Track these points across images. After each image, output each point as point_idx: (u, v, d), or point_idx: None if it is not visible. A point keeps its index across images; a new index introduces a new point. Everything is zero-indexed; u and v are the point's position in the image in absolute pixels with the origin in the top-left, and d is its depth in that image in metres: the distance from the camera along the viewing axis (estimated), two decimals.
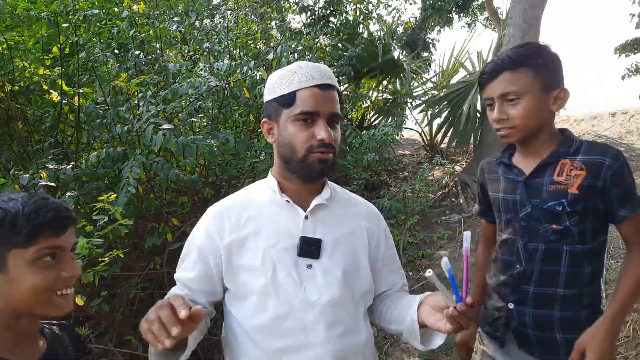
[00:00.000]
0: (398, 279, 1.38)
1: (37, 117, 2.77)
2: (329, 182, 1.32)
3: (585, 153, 1.31)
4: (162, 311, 0.90)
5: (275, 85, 1.19)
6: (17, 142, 2.66)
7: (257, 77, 2.62)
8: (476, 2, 12.97)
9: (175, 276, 1.26)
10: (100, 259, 1.86)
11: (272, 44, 3.50)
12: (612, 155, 1.28)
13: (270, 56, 2.72)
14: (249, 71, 2.55)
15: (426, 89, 6.72)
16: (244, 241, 1.19)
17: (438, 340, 1.18)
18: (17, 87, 2.57)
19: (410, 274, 4.12)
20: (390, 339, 3.50)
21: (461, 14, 13.22)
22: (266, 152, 2.90)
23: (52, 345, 1.06)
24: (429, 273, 1.03)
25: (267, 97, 1.23)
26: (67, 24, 2.56)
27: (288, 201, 1.21)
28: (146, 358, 2.49)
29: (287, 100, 1.15)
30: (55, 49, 2.62)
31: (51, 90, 2.60)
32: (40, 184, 1.91)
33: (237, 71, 2.65)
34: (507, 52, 1.34)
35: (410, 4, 13.42)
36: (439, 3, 12.31)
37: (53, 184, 1.99)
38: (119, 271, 2.34)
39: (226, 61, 2.67)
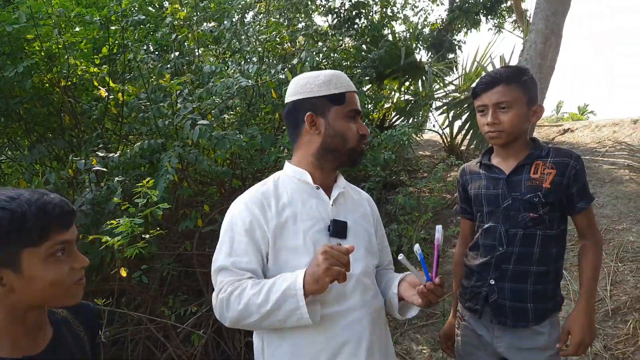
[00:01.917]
0: (386, 257, 1.62)
1: (83, 111, 3.07)
2: (340, 174, 1.55)
3: (555, 155, 1.62)
4: (341, 256, 1.17)
5: (325, 85, 1.39)
6: (67, 133, 2.97)
7: (283, 78, 2.86)
8: (504, 5, 12.94)
9: (227, 263, 1.32)
10: (141, 236, 2.11)
11: (297, 46, 3.73)
12: (575, 157, 1.60)
13: (295, 61, 2.95)
14: (276, 73, 2.80)
15: (448, 92, 6.84)
16: (284, 225, 1.35)
17: (412, 312, 1.44)
18: (69, 83, 2.87)
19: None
20: (400, 328, 3.70)
21: (489, 16, 13.21)
22: (288, 148, 3.13)
23: (59, 331, 1.08)
24: (400, 256, 1.27)
25: (312, 94, 1.39)
26: (116, 27, 2.85)
27: (318, 188, 1.43)
28: (174, 327, 2.77)
29: (338, 98, 1.39)
30: (104, 49, 2.91)
31: (99, 87, 2.89)
32: (93, 169, 2.19)
33: (265, 73, 2.91)
34: (501, 69, 1.63)
35: (438, 5, 13.50)
36: (467, 5, 12.34)
37: (104, 169, 2.27)
38: (156, 250, 2.62)
39: (252, 64, 2.91)
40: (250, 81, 2.75)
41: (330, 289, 1.29)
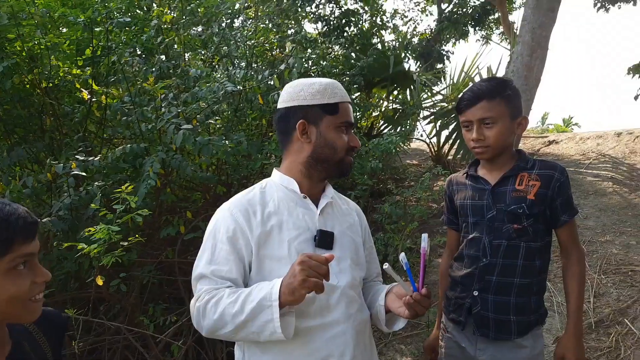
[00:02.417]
0: (374, 269, 1.60)
1: (65, 113, 3.00)
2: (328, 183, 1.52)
3: (539, 168, 1.62)
4: (319, 266, 1.12)
5: (319, 94, 1.36)
6: (47, 135, 2.90)
7: (271, 84, 2.83)
8: (492, 17, 13.12)
9: (206, 271, 1.29)
10: (120, 244, 2.05)
11: (286, 52, 3.70)
12: (560, 170, 1.60)
13: (283, 66, 2.92)
14: (264, 79, 2.77)
15: (435, 101, 6.88)
16: (269, 233, 1.32)
17: (400, 324, 1.41)
18: (51, 84, 2.80)
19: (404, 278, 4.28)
20: (384, 339, 3.66)
21: (477, 28, 13.38)
22: (275, 154, 3.10)
23: (18, 344, 1.04)
24: (385, 265, 1.23)
25: (305, 102, 1.36)
26: (100, 29, 2.80)
27: (305, 197, 1.39)
28: (154, 337, 2.71)
29: (332, 109, 1.36)
30: (88, 51, 2.85)
31: (82, 89, 2.83)
32: (72, 173, 2.13)
33: (253, 78, 2.87)
34: (484, 84, 1.61)
35: (427, 15, 13.66)
36: (455, 16, 12.49)
37: (84, 174, 2.21)
38: (136, 257, 2.55)
39: (238, 70, 2.88)
40: (236, 86, 2.71)
41: (312, 301, 1.27)
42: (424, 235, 1.29)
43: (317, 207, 1.41)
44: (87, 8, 2.82)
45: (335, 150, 1.36)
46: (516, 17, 14.22)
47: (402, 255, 1.28)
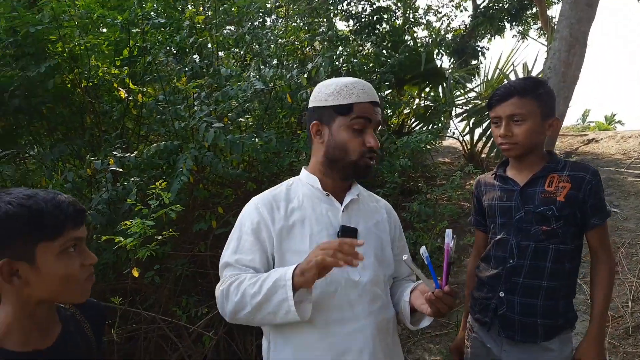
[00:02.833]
0: (406, 267, 1.56)
1: (104, 111, 3.13)
2: (355, 181, 1.53)
3: (570, 169, 1.58)
4: (345, 244, 1.12)
5: (333, 95, 1.38)
6: (88, 132, 3.03)
7: (299, 83, 2.86)
8: (530, 11, 12.75)
9: (231, 260, 1.35)
10: (155, 237, 2.13)
11: (316, 51, 3.73)
12: (592, 172, 1.55)
13: (310, 66, 2.95)
14: (292, 78, 2.80)
15: (469, 99, 6.77)
16: (292, 228, 1.36)
17: (425, 322, 1.39)
18: (90, 84, 2.93)
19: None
20: (413, 337, 3.65)
21: (513, 23, 13.03)
22: (305, 152, 3.13)
23: (67, 327, 1.12)
24: (405, 257, 1.23)
25: (320, 103, 1.40)
26: (137, 30, 2.90)
27: (328, 195, 1.42)
28: (186, 327, 2.80)
29: (345, 109, 1.36)
30: (125, 52, 2.96)
31: (119, 88, 2.94)
32: (110, 168, 2.23)
33: (282, 77, 2.92)
34: (517, 81, 1.60)
35: (461, 11, 13.38)
36: (491, 11, 12.19)
37: (120, 170, 2.30)
38: (169, 250, 2.64)
39: (271, 69, 2.93)
40: (265, 85, 2.76)
41: (333, 295, 1.30)
42: (448, 231, 1.26)
43: (341, 204, 1.43)
44: (124, 9, 2.93)
45: (347, 152, 1.37)
46: (555, 11, 13.79)
47: (422, 249, 1.26)
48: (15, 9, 2.56)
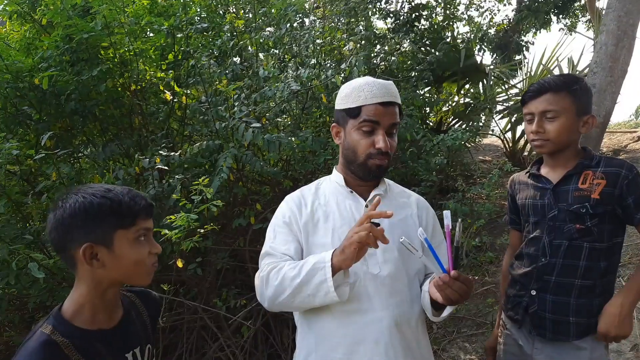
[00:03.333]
0: (419, 257, 1.57)
1: (151, 112, 3.31)
2: (384, 178, 1.58)
3: (605, 165, 1.55)
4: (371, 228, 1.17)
5: (345, 98, 1.46)
6: (136, 133, 3.22)
7: (334, 83, 2.94)
8: (578, 3, 12.25)
9: (269, 249, 1.44)
10: (198, 230, 2.27)
11: (350, 50, 3.78)
12: (628, 167, 1.51)
13: (344, 66, 3.01)
14: (327, 78, 2.88)
15: (510, 95, 6.62)
16: (317, 223, 1.46)
17: (445, 312, 1.40)
18: (139, 87, 3.11)
19: (477, 277, 4.22)
20: (448, 336, 3.65)
21: (560, 16, 12.55)
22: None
23: (128, 311, 1.24)
24: (402, 239, 1.22)
25: (338, 106, 1.50)
26: (181, 35, 3.06)
27: (352, 192, 1.50)
28: (227, 318, 2.93)
29: (354, 112, 1.42)
30: (170, 56, 3.13)
31: (165, 91, 3.11)
32: (156, 167, 2.38)
33: (318, 77, 3.00)
34: (552, 77, 1.59)
35: (505, 5, 13.03)
36: (536, 4, 11.79)
37: (166, 167, 2.45)
38: (211, 244, 2.78)
39: (308, 69, 3.01)
40: (301, 86, 2.85)
41: (352, 286, 1.33)
42: (446, 212, 1.22)
43: (366, 200, 1.49)
44: (170, 16, 3.09)
45: (356, 153, 1.43)
46: (604, 3, 13.15)
47: (420, 230, 1.24)
48: (71, 17, 2.76)
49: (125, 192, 1.13)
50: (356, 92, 1.43)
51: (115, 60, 2.96)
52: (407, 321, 1.42)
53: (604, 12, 5.13)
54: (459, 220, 1.27)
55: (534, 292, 1.63)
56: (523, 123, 5.63)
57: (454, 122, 6.51)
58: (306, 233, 1.45)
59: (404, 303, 1.41)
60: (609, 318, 1.50)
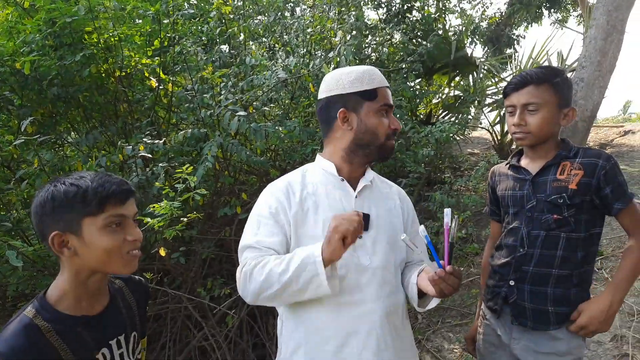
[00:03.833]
0: (418, 253, 1.56)
1: (137, 100, 3.26)
2: (369, 168, 1.56)
3: (583, 156, 1.56)
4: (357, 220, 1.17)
5: (356, 81, 1.42)
6: (121, 120, 3.17)
7: (322, 72, 2.91)
8: None
9: (253, 241, 1.37)
10: (181, 219, 2.24)
11: (339, 40, 3.76)
12: (605, 157, 1.52)
13: (332, 55, 2.99)
14: (315, 67, 2.85)
15: (500, 88, 6.63)
16: (306, 213, 1.41)
17: (432, 303, 1.41)
18: (123, 73, 3.05)
19: (462, 269, 4.25)
20: (432, 326, 3.68)
21: (552, 10, 12.59)
22: None
23: (114, 299, 1.24)
24: (402, 236, 1.24)
25: (344, 90, 1.43)
26: (167, 21, 3.00)
27: (343, 180, 1.47)
28: (211, 308, 2.92)
29: (371, 95, 1.43)
30: (156, 42, 3.07)
31: (151, 77, 3.06)
32: (139, 154, 2.35)
33: (306, 66, 2.97)
34: (534, 70, 1.59)
35: None
36: None
37: (149, 155, 2.42)
38: (196, 234, 2.76)
39: (294, 58, 2.98)
40: (289, 74, 2.82)
41: (343, 278, 1.33)
42: (447, 211, 1.26)
43: (355, 190, 1.47)
44: (155, 1, 3.03)
45: (377, 135, 1.43)
46: None
47: (421, 228, 1.26)
48: (54, 1, 2.69)
49: (96, 179, 1.10)
50: (368, 75, 1.44)
51: (100, 45, 2.90)
52: (396, 311, 1.44)
53: (594, 7, 5.14)
54: (455, 217, 1.27)
55: (512, 283, 1.65)
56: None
57: (443, 114, 6.52)
58: (295, 224, 1.40)
59: (392, 293, 1.43)
60: (595, 313, 1.51)
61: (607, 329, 1.54)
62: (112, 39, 2.91)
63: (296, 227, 1.40)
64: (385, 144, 1.45)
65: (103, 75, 3.00)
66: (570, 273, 1.56)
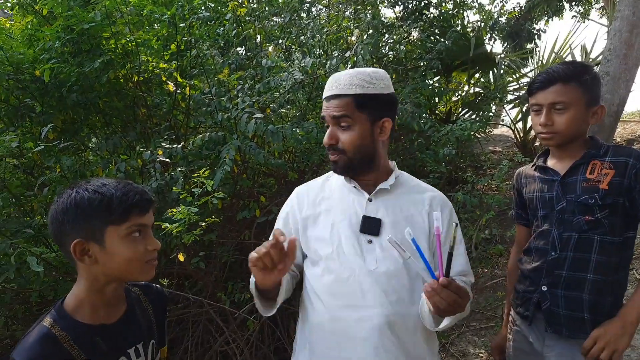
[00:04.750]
0: (457, 265, 1.41)
1: (155, 104, 3.27)
2: (397, 171, 1.50)
3: (613, 154, 1.48)
4: (273, 249, 1.12)
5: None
6: (140, 124, 3.18)
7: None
8: None
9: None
10: (200, 224, 2.22)
11: (355, 39, 3.70)
12: (636, 156, 1.44)
13: (348, 54, 2.94)
14: (331, 67, 2.81)
15: (522, 84, 6.48)
16: (318, 216, 1.46)
17: (444, 322, 1.28)
18: (141, 78, 3.06)
19: (486, 270, 4.15)
20: (457, 330, 3.60)
21: (573, 3, 12.29)
22: None
23: (132, 307, 1.23)
24: (388, 236, 1.14)
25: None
26: (183, 25, 3.00)
27: (355, 187, 1.46)
28: (232, 312, 2.90)
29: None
30: (173, 46, 3.07)
31: (168, 82, 3.06)
32: (158, 159, 2.34)
33: (323, 67, 2.93)
34: (560, 66, 1.51)
35: None
36: None
37: (168, 160, 2.41)
38: (214, 238, 2.74)
39: (310, 58, 2.94)
40: (305, 75, 2.79)
41: (345, 282, 1.36)
42: (436, 214, 1.14)
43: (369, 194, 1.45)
44: (171, 4, 3.03)
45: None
46: None
47: (407, 230, 1.16)
48: (72, 8, 2.71)
49: (120, 187, 1.10)
50: (326, 88, 1.46)
51: (117, 51, 2.92)
52: (403, 322, 1.35)
53: None
54: (455, 224, 1.17)
55: (544, 288, 1.57)
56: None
57: (463, 112, 6.40)
58: (304, 226, 1.46)
59: (400, 302, 1.34)
60: (614, 332, 1.42)
61: (627, 345, 1.43)
62: (130, 44, 2.92)
63: (305, 229, 1.46)
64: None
65: (121, 80, 3.02)
66: (606, 280, 1.48)
